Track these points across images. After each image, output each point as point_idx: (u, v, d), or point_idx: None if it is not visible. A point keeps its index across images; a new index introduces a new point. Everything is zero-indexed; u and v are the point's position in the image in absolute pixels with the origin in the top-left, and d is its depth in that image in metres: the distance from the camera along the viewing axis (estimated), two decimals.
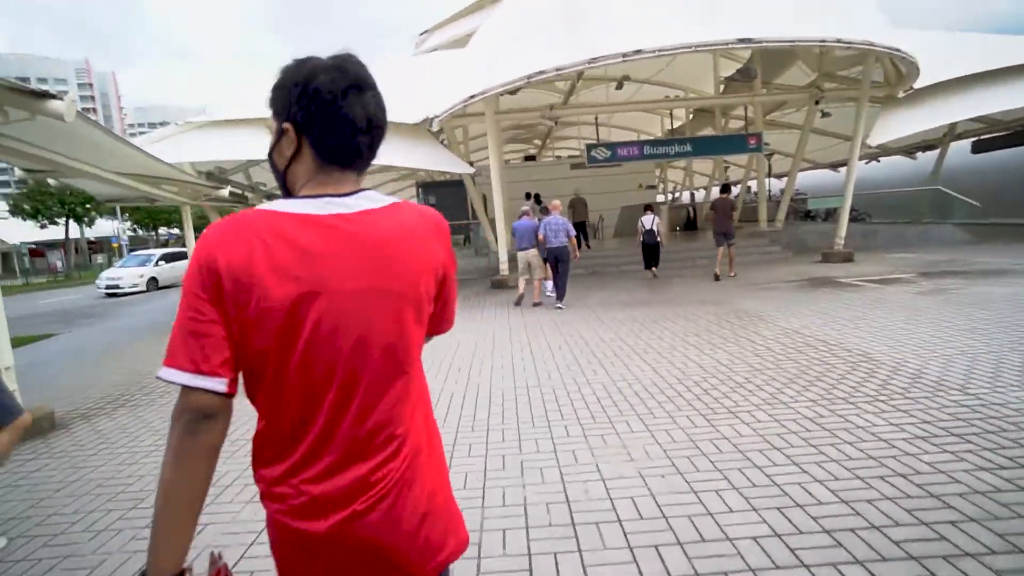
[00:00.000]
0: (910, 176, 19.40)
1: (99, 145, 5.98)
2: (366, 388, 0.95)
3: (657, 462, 3.18)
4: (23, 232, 38.04)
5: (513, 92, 11.23)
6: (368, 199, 1.00)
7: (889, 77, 11.82)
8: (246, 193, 18.02)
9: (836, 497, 2.63)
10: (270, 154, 1.03)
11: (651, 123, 23.64)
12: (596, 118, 16.69)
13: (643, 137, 21.72)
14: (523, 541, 2.49)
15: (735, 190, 14.38)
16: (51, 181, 7.96)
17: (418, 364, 1.06)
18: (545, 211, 10.02)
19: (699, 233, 19.02)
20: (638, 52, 8.89)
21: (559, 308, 8.75)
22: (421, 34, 20.57)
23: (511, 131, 25.96)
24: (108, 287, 19.73)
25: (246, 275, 0.87)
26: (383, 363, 0.97)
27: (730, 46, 9.33)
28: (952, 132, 16.21)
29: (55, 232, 37.11)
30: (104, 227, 44.34)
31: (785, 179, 18.02)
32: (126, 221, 44.42)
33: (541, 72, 9.52)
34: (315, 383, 0.93)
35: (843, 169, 13.51)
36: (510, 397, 4.60)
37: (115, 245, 39.28)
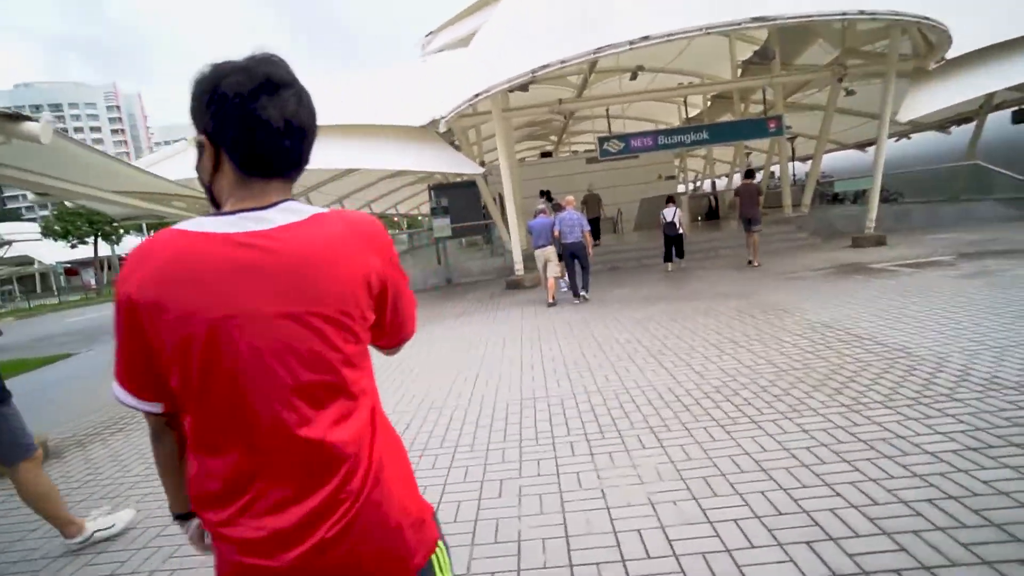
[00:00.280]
0: (944, 152, 18.43)
1: (91, 166, 5.88)
2: (299, 415, 0.89)
3: (669, 485, 2.85)
4: (57, 252, 39.31)
5: (524, 89, 10.92)
6: (289, 211, 0.92)
7: (918, 48, 11.10)
8: None
9: (876, 527, 2.26)
10: (196, 170, 0.98)
11: (669, 113, 23.05)
12: (607, 110, 16.20)
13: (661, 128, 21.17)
14: None
15: (758, 176, 13.78)
16: (68, 203, 7.99)
17: (361, 382, 0.98)
18: (558, 207, 9.84)
19: (721, 223, 18.41)
20: (645, 38, 8.47)
21: (586, 299, 8.97)
22: (427, 35, 20.40)
23: (526, 128, 25.67)
24: None
25: (151, 306, 0.84)
26: (312, 388, 0.90)
27: (743, 26, 8.83)
28: (989, 103, 15.27)
29: (86, 251, 38.29)
30: (134, 244, 45.50)
31: (810, 162, 17.28)
32: None
33: (545, 65, 9.17)
34: (239, 415, 0.88)
35: (871, 149, 12.83)
36: (515, 411, 4.30)
37: None
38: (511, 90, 10.64)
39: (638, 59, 14.88)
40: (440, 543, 1.06)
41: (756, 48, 15.07)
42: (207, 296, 0.84)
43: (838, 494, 2.54)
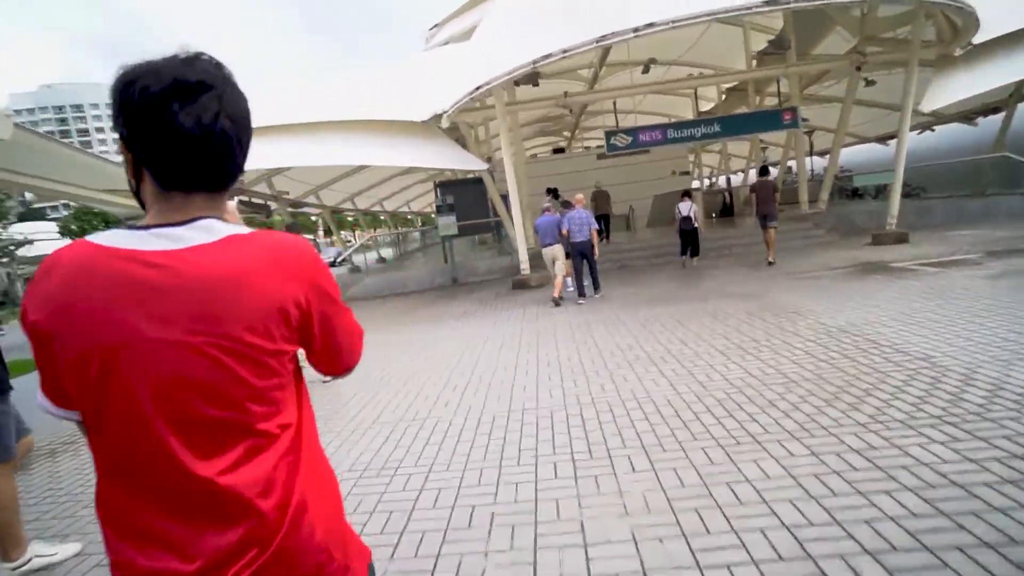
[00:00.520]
0: (969, 144, 17.63)
1: (73, 162, 5.70)
2: (197, 452, 0.81)
3: (657, 518, 2.52)
4: None
5: (535, 84, 10.60)
6: (203, 230, 0.84)
7: (943, 33, 10.54)
8: (268, 203, 18.04)
9: None
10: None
11: (683, 108, 22.54)
12: (615, 103, 15.77)
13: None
14: None
15: (773, 171, 13.29)
16: (71, 204, 7.88)
17: (278, 418, 0.88)
18: (566, 205, 9.56)
19: (735, 219, 17.90)
20: (650, 25, 8.09)
21: (600, 297, 8.84)
22: (431, 28, 20.14)
23: (537, 124, 25.31)
24: None
25: (47, 323, 0.79)
26: (212, 425, 0.82)
27: (754, 10, 8.39)
28: (1020, 92, 14.54)
29: None
30: None
31: (828, 157, 16.68)
32: None
33: (548, 55, 8.83)
34: (134, 446, 0.81)
35: (892, 142, 12.27)
36: (500, 424, 3.99)
37: None
38: (516, 83, 10.32)
39: (650, 51, 14.45)
40: None
41: (771, 38, 14.53)
42: (102, 319, 0.78)
43: (850, 535, 2.20)
